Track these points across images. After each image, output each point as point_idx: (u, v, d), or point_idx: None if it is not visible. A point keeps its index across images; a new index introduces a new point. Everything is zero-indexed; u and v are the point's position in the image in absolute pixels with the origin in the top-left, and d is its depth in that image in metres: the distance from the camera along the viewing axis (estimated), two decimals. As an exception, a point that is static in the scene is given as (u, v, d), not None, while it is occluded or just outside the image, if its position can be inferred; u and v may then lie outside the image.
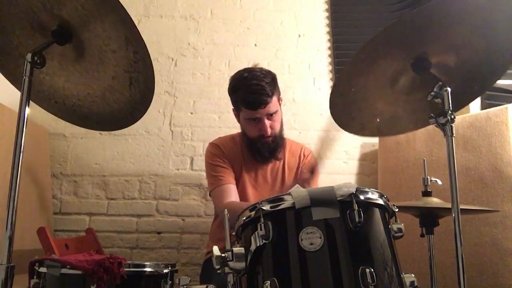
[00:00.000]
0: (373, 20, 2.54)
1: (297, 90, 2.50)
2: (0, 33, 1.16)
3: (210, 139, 1.95)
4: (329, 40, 2.58)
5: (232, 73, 1.81)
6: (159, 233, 2.30)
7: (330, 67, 2.54)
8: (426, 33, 1.12)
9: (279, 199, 0.97)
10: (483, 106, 2.25)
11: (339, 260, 0.90)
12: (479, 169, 1.84)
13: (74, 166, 2.36)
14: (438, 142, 1.99)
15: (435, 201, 1.42)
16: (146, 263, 1.17)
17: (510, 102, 1.91)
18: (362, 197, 0.96)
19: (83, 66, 1.22)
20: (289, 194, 0.96)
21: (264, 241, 0.94)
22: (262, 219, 0.95)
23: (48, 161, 2.28)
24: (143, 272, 1.17)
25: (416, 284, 0.96)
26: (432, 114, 1.11)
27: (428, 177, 1.46)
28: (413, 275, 0.97)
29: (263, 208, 0.96)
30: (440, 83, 1.11)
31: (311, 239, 0.90)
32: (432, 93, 1.13)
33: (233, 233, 1.06)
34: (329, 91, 2.47)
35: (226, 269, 0.96)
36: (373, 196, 0.99)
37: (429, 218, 1.45)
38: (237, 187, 1.80)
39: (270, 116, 1.72)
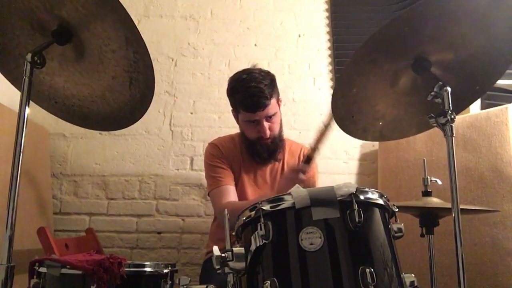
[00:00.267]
0: (373, 20, 2.53)
1: (297, 90, 2.50)
2: (0, 33, 1.16)
3: (210, 139, 1.94)
4: (329, 40, 2.58)
5: (232, 73, 1.81)
6: (159, 233, 2.30)
7: (330, 67, 2.54)
8: (424, 31, 1.12)
9: (279, 199, 0.97)
10: (483, 106, 2.25)
11: (339, 260, 0.90)
12: (479, 169, 1.84)
13: (74, 166, 2.36)
14: (438, 142, 1.99)
15: (435, 201, 1.42)
16: (146, 263, 1.17)
17: (510, 102, 1.92)
18: (362, 197, 0.96)
19: (83, 66, 1.22)
20: (289, 194, 0.96)
21: (264, 241, 0.94)
22: (262, 219, 0.95)
23: (48, 161, 2.28)
24: (143, 272, 1.17)
25: (416, 284, 0.96)
26: (432, 114, 1.11)
27: (428, 177, 1.46)
28: (413, 275, 0.97)
29: (263, 208, 0.96)
30: (440, 83, 1.11)
31: (311, 239, 0.90)
32: (432, 93, 1.13)
33: (233, 233, 1.06)
34: (329, 91, 2.49)
35: (226, 269, 0.96)
36: (373, 196, 0.99)
37: (429, 218, 1.45)
38: (236, 188, 1.79)
39: (269, 118, 1.71)
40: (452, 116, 1.08)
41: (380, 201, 0.99)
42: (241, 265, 0.96)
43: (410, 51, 1.17)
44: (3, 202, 1.03)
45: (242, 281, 1.01)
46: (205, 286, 1.10)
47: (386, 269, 0.93)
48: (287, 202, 0.95)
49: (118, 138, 2.39)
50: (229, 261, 0.96)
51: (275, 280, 0.89)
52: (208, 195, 1.84)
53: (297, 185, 1.00)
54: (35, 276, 1.13)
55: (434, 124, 1.11)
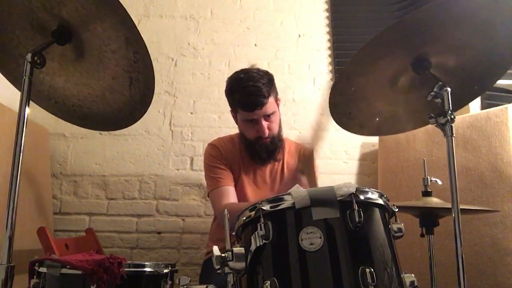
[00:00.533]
0: (373, 20, 2.54)
1: (297, 90, 2.50)
2: (0, 33, 1.16)
3: (210, 139, 1.94)
4: (329, 40, 2.58)
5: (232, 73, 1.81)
6: (159, 233, 2.30)
7: (330, 67, 2.54)
8: (426, 34, 1.12)
9: (279, 199, 0.96)
10: (483, 106, 2.25)
11: (339, 260, 0.90)
12: (479, 169, 1.84)
13: (74, 166, 2.36)
14: (438, 142, 1.99)
15: (435, 201, 1.42)
16: (146, 263, 1.17)
17: (510, 102, 1.91)
18: (362, 197, 0.96)
19: (83, 66, 1.22)
20: (289, 194, 0.96)
21: (264, 241, 0.94)
22: (262, 219, 0.95)
23: (48, 161, 2.28)
24: (143, 272, 1.17)
25: (416, 284, 0.96)
26: (432, 114, 1.11)
27: (428, 177, 1.46)
28: (413, 275, 0.97)
29: (263, 208, 0.96)
30: (440, 83, 1.11)
31: (311, 239, 0.90)
32: (432, 93, 1.13)
33: (233, 233, 1.06)
34: (329, 91, 2.49)
35: (226, 269, 0.96)
36: (373, 196, 0.99)
37: (429, 218, 1.45)
38: (236, 188, 1.79)
39: (267, 117, 1.71)
40: (452, 116, 1.08)
41: (380, 201, 0.99)
42: (241, 265, 0.96)
43: (411, 52, 1.17)
44: (3, 202, 1.03)
45: (242, 281, 1.01)
46: (205, 286, 1.10)
47: (386, 269, 0.93)
48: (287, 202, 0.95)
49: (118, 138, 2.39)
50: (229, 261, 0.96)
51: (275, 280, 0.89)
52: (208, 195, 1.84)
53: (297, 185, 1.00)
54: (35, 276, 1.13)
55: (434, 124, 1.11)
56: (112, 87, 1.24)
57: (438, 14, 1.07)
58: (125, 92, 1.23)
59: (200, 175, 2.33)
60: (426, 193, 1.45)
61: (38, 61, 1.09)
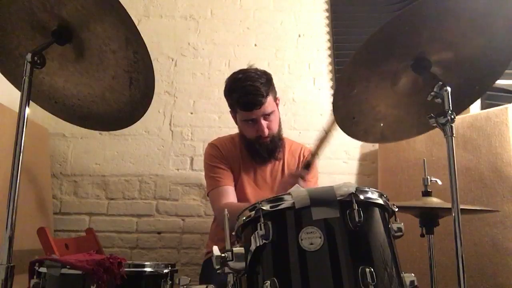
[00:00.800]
0: (373, 20, 2.53)
1: (297, 90, 2.50)
2: (0, 33, 1.16)
3: (210, 139, 1.95)
4: (329, 40, 2.58)
5: (232, 73, 1.81)
6: (159, 233, 2.30)
7: (330, 67, 2.54)
8: (424, 30, 1.12)
9: (279, 199, 0.96)
10: (483, 106, 2.25)
11: (339, 260, 0.90)
12: (479, 169, 1.84)
13: (74, 166, 2.36)
14: (438, 142, 1.99)
15: (435, 201, 1.42)
16: (146, 263, 1.17)
17: (510, 102, 1.91)
18: (362, 197, 0.96)
19: (83, 66, 1.22)
20: (289, 194, 0.96)
21: (264, 241, 0.94)
22: (262, 219, 0.94)
23: (48, 161, 2.28)
24: (143, 272, 1.17)
25: (416, 284, 0.96)
26: (432, 114, 1.11)
27: (428, 177, 1.46)
28: (413, 274, 0.97)
29: (263, 208, 0.96)
30: (440, 83, 1.11)
31: (311, 239, 0.90)
32: (432, 93, 1.13)
33: (233, 233, 1.06)
34: (329, 91, 2.49)
35: (226, 269, 0.96)
36: (373, 195, 0.99)
37: (429, 218, 1.45)
38: (236, 188, 1.79)
39: (266, 116, 1.71)
40: (452, 116, 1.08)
41: (380, 201, 0.99)
42: (241, 265, 0.96)
43: (410, 51, 1.17)
44: (3, 202, 1.03)
45: (242, 281, 1.01)
46: (205, 286, 1.10)
47: (386, 269, 0.93)
48: (287, 202, 0.95)
49: (118, 138, 2.39)
50: (229, 261, 0.96)
51: (275, 280, 0.89)
52: (208, 195, 1.84)
53: (297, 185, 1.00)
54: (35, 276, 1.13)
55: (434, 124, 1.11)
56: (112, 87, 1.24)
57: (435, 8, 1.06)
58: (125, 92, 1.23)
59: (200, 175, 2.33)
60: (426, 193, 1.45)
61: (38, 61, 1.09)
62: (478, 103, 2.27)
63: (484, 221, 1.78)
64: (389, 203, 1.03)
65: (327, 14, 2.61)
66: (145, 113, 1.28)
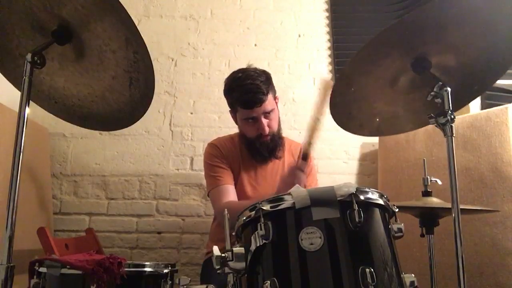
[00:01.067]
0: (373, 20, 2.54)
1: (297, 90, 2.50)
2: (0, 33, 1.16)
3: (210, 139, 1.95)
4: (329, 40, 2.58)
5: (232, 73, 1.81)
6: (159, 233, 2.30)
7: (330, 67, 2.54)
8: (426, 33, 1.12)
9: (279, 199, 0.96)
10: (483, 106, 2.25)
11: (339, 260, 0.90)
12: (479, 169, 1.84)
13: (74, 166, 2.36)
14: (438, 142, 1.99)
15: (435, 201, 1.42)
16: (146, 263, 1.17)
17: (510, 102, 1.91)
18: (362, 197, 0.96)
19: (83, 66, 1.22)
20: (289, 194, 0.96)
21: (264, 241, 0.94)
22: (262, 219, 0.95)
23: (48, 161, 2.28)
24: (143, 272, 1.17)
25: (416, 284, 0.96)
26: (432, 114, 1.11)
27: (428, 177, 1.46)
28: (413, 275, 0.97)
29: (263, 208, 0.96)
30: (440, 83, 1.11)
31: (311, 239, 0.90)
32: (432, 93, 1.13)
33: (233, 233, 1.06)
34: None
35: (226, 269, 0.96)
36: (373, 196, 0.99)
37: (429, 218, 1.45)
38: (236, 187, 1.80)
39: (267, 114, 1.72)
40: (452, 116, 1.08)
41: (380, 201, 0.99)
42: (241, 265, 0.96)
43: (411, 52, 1.17)
44: (3, 202, 1.03)
45: (242, 281, 1.01)
46: (205, 286, 1.10)
47: (386, 269, 0.93)
48: (287, 202, 0.95)
49: (118, 138, 2.39)
50: (229, 261, 0.96)
51: (275, 280, 0.89)
52: (208, 195, 1.84)
53: (297, 185, 1.00)
54: (35, 276, 1.13)
55: (434, 124, 1.11)
56: (112, 87, 1.24)
57: (438, 13, 1.07)
58: (125, 92, 1.23)
59: (200, 175, 2.33)
60: (426, 193, 1.45)
61: (38, 61, 1.09)
62: (478, 103, 2.27)
63: (484, 221, 1.78)
64: (389, 203, 1.03)
65: (327, 14, 2.61)
66: (145, 113, 1.28)
